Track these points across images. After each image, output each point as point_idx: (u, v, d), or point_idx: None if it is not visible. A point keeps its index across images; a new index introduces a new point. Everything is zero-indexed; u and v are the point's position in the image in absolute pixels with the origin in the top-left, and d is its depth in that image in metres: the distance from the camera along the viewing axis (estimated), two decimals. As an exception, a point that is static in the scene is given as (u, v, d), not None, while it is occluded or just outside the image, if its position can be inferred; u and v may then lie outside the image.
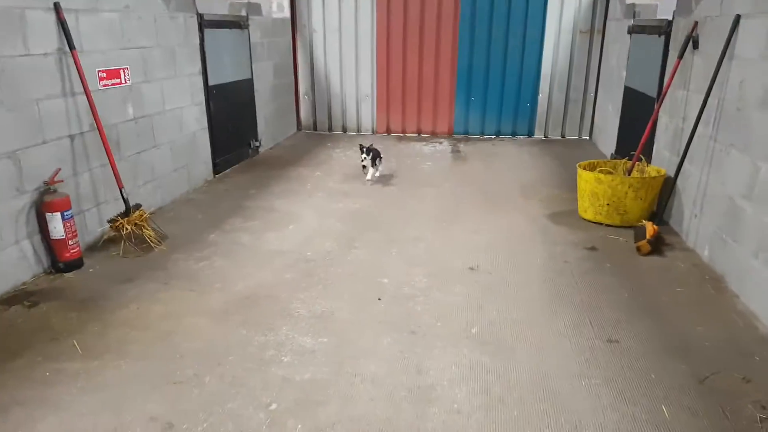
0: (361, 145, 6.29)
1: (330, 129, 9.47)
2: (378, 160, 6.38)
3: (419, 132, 9.31)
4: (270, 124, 8.20)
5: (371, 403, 2.66)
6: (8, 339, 3.18)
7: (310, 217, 5.24)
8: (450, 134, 9.25)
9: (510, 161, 7.54)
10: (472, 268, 4.12)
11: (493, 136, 9.14)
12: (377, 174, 6.41)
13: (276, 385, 2.78)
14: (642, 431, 2.48)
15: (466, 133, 9.23)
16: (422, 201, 5.77)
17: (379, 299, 3.66)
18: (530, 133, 9.10)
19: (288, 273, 4.05)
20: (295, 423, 2.52)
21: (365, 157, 6.19)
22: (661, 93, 5.23)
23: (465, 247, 4.54)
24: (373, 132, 9.36)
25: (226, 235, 4.79)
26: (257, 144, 7.72)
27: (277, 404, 2.65)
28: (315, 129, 9.53)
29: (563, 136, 9.04)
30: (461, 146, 8.45)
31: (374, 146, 6.36)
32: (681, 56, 4.79)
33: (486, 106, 9.05)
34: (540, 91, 8.86)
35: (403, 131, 9.33)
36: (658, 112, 5.22)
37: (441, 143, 8.69)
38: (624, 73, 6.97)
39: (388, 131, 9.35)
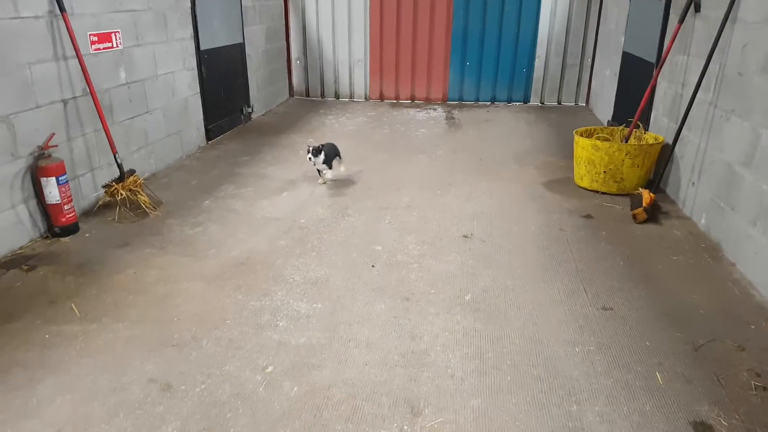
0: (309, 145, 5.00)
1: (322, 95, 9.35)
2: (336, 159, 5.32)
3: (413, 98, 9.21)
4: (262, 90, 8.08)
5: (365, 368, 2.71)
6: (7, 302, 3.20)
7: (302, 185, 5.22)
8: (444, 101, 9.15)
9: (505, 128, 7.50)
10: (465, 236, 4.14)
11: (489, 103, 9.06)
12: (337, 172, 5.32)
13: (272, 349, 2.83)
14: (636, 397, 2.54)
15: (460, 99, 9.14)
16: (416, 168, 5.75)
17: (373, 266, 3.68)
18: (526, 100, 9.03)
19: (282, 240, 4.06)
20: (291, 385, 2.57)
21: (312, 158, 4.95)
22: (660, 58, 5.17)
23: (459, 214, 4.55)
24: (366, 98, 9.25)
25: (220, 201, 4.78)
26: (249, 110, 7.63)
27: (273, 367, 2.69)
28: (307, 95, 9.41)
29: (559, 103, 8.97)
30: (455, 113, 8.38)
31: (330, 142, 5.31)
32: (682, 20, 4.72)
33: (481, 71, 8.93)
34: (536, 56, 8.75)
35: (397, 98, 9.23)
36: (657, 77, 5.17)
37: (435, 110, 8.62)
38: (622, 38, 6.87)
39: (381, 97, 9.24)
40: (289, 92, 9.36)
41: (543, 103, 9.00)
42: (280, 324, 3.05)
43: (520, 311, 3.20)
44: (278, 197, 4.91)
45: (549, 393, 2.55)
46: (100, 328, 2.98)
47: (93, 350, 2.80)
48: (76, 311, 3.12)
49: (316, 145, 4.97)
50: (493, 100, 9.07)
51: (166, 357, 2.76)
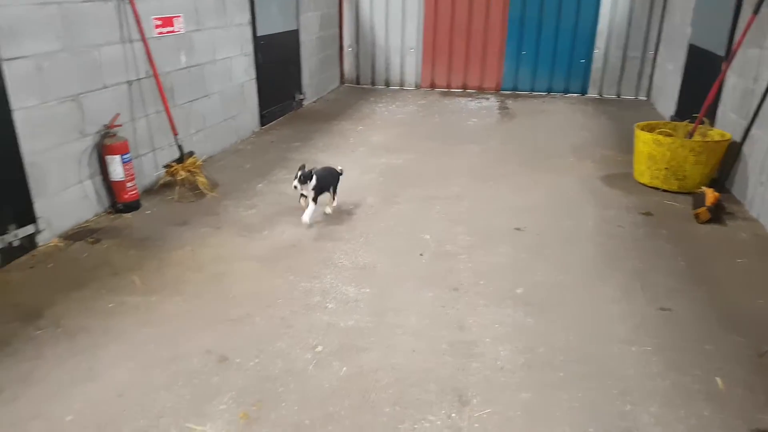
0: (301, 169, 3.89)
1: (373, 83, 9.36)
2: (329, 192, 4.14)
3: (465, 87, 9.09)
4: (314, 77, 8.15)
5: (413, 354, 2.71)
6: (74, 271, 3.38)
7: (352, 171, 5.24)
8: (497, 90, 9.00)
9: (561, 120, 7.31)
10: (518, 229, 4.07)
11: (544, 94, 8.85)
12: (329, 210, 4.20)
13: (321, 329, 2.88)
14: (694, 401, 2.44)
15: (514, 89, 8.96)
16: (467, 158, 5.68)
17: (421, 255, 3.68)
18: (583, 91, 8.76)
19: (330, 225, 4.11)
20: (340, 365, 2.61)
21: (298, 186, 3.88)
22: (730, 51, 4.91)
23: (511, 206, 4.48)
24: (417, 86, 9.20)
25: (272, 185, 4.88)
26: (301, 97, 7.72)
27: (323, 347, 2.74)
28: (358, 83, 9.44)
29: (619, 96, 8.66)
30: (509, 103, 8.22)
31: (330, 167, 4.24)
32: (757, 11, 4.46)
33: (537, 61, 8.72)
34: (596, 47, 8.47)
35: (448, 86, 9.13)
36: (726, 71, 4.91)
37: (488, 99, 8.48)
38: (689, 30, 6.55)
39: (433, 86, 9.17)
40: (340, 80, 9.41)
41: (601, 96, 8.71)
42: (329, 306, 3.09)
43: (574, 307, 3.13)
44: (329, 183, 4.95)
45: (601, 391, 2.49)
46: (160, 300, 3.10)
47: (153, 321, 2.92)
48: (138, 283, 3.26)
49: (308, 170, 3.89)
50: (548, 90, 8.85)
51: (222, 331, 2.85)
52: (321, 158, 5.60)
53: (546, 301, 3.18)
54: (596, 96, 8.71)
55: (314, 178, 3.87)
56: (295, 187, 3.85)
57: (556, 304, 3.15)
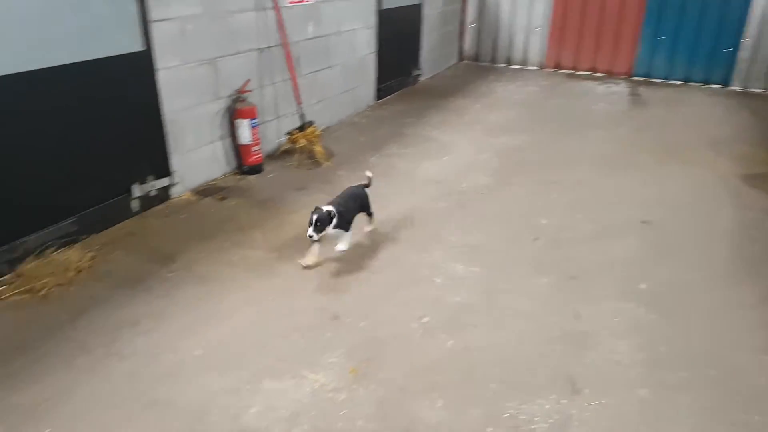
0: (316, 212, 3.00)
1: (493, 61, 9.09)
2: (345, 225, 3.19)
3: (593, 70, 8.55)
4: (433, 53, 8.07)
5: (522, 336, 2.63)
6: (203, 224, 3.65)
7: (466, 150, 5.17)
8: (628, 75, 8.36)
9: (698, 111, 6.66)
10: (645, 222, 3.79)
11: (680, 82, 8.09)
12: (342, 248, 3.20)
13: (429, 302, 2.88)
14: (841, 423, 2.17)
15: (647, 75, 8.27)
16: (591, 144, 5.36)
17: (536, 239, 3.54)
18: (726, 83, 7.89)
19: (441, 202, 4.07)
20: (446, 338, 2.60)
21: (315, 235, 2.97)
22: None
23: (638, 197, 4.17)
24: (540, 67, 8.80)
25: (385, 158, 4.93)
26: (418, 72, 7.68)
27: (430, 318, 2.74)
28: (477, 60, 9.21)
29: (767, 90, 7.71)
30: (641, 90, 7.63)
31: (352, 188, 3.43)
32: None
33: (676, 47, 7.97)
34: (745, 35, 7.56)
35: (574, 68, 8.64)
36: None
37: (617, 84, 7.92)
38: None
39: (558, 67, 8.72)
40: (459, 56, 9.25)
41: (746, 89, 7.80)
42: (437, 280, 3.08)
43: (703, 309, 2.86)
44: (440, 160, 4.92)
45: (726, 398, 2.28)
46: (279, 257, 3.27)
47: (273, 276, 3.08)
48: (261, 239, 3.45)
49: (325, 209, 3.03)
50: (686, 79, 8.08)
51: (335, 291, 2.95)
52: (434, 134, 5.57)
53: (672, 299, 2.94)
54: (740, 89, 7.81)
55: (335, 217, 3.03)
56: (311, 237, 2.94)
57: (683, 304, 2.90)
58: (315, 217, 2.96)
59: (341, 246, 3.20)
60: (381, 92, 6.77)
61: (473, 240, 3.53)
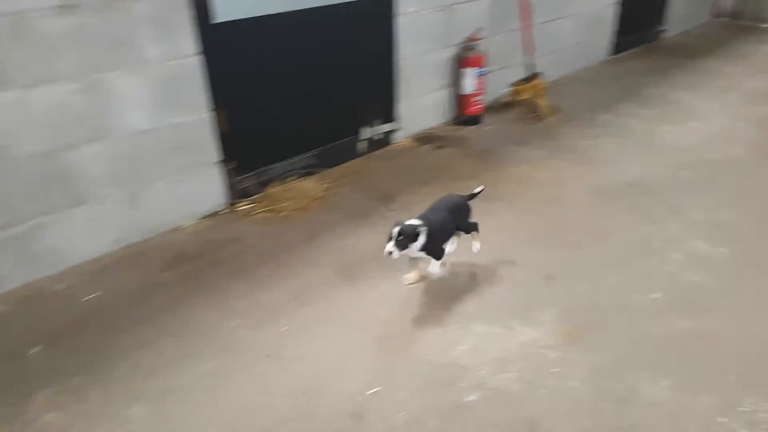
0: (398, 226, 2.33)
1: (757, 20, 7.52)
2: (453, 239, 2.67)
3: None
4: (681, 8, 6.98)
5: (782, 335, 2.20)
6: (421, 169, 3.75)
7: (717, 117, 4.42)
8: None
9: None
10: None
11: None
12: (435, 272, 2.56)
13: (660, 277, 2.57)
14: None
15: None
16: None
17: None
18: None
19: (683, 171, 3.56)
20: (679, 318, 2.31)
21: (395, 252, 2.29)
22: None
23: None
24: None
25: (618, 119, 4.46)
26: (662, 29, 6.74)
27: (661, 295, 2.45)
28: (736, 18, 7.71)
29: None
30: None
31: (449, 198, 2.63)
32: None
33: None
34: None
35: None
36: None
37: None
38: None
39: None
40: (712, 14, 7.86)
41: None
42: (674, 256, 2.73)
43: None
44: (684, 125, 4.29)
45: None
46: (497, 208, 3.19)
47: (491, 228, 2.96)
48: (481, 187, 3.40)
49: (409, 224, 2.36)
50: None
51: (550, 251, 2.80)
52: (678, 96, 4.87)
53: None
54: None
55: (422, 234, 2.37)
56: (391, 254, 2.29)
57: None
58: (396, 230, 2.31)
59: (434, 269, 2.54)
60: (616, 47, 6.12)
61: (722, 217, 3.04)
